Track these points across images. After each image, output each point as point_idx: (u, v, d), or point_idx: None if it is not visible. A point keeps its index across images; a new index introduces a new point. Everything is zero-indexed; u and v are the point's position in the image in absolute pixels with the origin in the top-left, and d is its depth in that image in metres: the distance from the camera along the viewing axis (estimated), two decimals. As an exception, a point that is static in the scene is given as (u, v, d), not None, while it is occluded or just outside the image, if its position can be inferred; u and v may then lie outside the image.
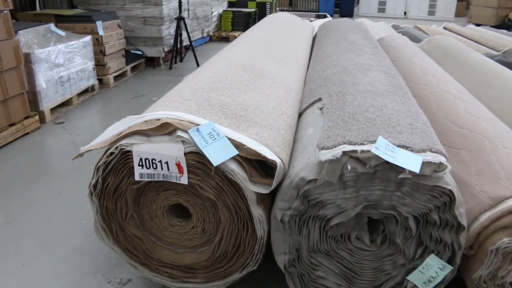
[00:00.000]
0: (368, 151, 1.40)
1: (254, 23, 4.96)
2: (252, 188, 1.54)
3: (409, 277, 1.61)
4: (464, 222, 1.49)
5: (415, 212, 1.50)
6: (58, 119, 4.18)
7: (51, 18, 5.09)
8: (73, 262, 2.14)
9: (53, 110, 4.24)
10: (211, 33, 8.68)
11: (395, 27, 6.05)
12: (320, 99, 2.05)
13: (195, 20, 7.45)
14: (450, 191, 1.43)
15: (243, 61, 2.60)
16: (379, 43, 3.87)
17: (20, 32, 4.00)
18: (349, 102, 1.85)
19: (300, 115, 2.18)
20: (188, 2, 6.85)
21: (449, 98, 2.40)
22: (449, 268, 1.56)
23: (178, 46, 6.25)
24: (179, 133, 1.56)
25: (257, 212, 1.58)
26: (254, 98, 2.03)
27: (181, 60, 6.49)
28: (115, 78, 5.46)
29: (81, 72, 4.71)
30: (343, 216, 1.52)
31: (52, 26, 4.61)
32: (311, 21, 6.16)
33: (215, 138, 1.55)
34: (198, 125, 1.59)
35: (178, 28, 6.07)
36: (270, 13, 9.28)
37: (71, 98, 4.53)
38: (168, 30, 6.16)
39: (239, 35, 6.52)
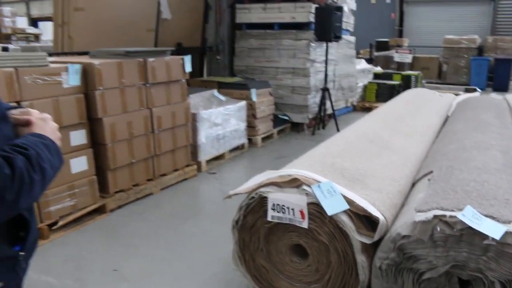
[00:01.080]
0: (455, 216, 1.67)
1: (398, 95, 5.26)
2: (358, 238, 1.90)
3: None
4: (552, 294, 1.63)
5: (501, 278, 1.68)
6: (211, 170, 4.94)
7: (214, 84, 6.03)
8: (211, 286, 2.64)
9: (208, 161, 5.02)
10: (355, 103, 9.09)
11: (553, 103, 5.78)
12: (431, 172, 2.33)
13: (340, 90, 7.98)
14: (534, 261, 1.61)
15: (371, 133, 2.99)
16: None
17: (191, 96, 4.92)
18: (454, 176, 2.11)
19: (414, 184, 2.47)
20: (334, 74, 7.43)
21: None
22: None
23: (322, 114, 6.79)
24: (304, 187, 2.01)
25: (361, 258, 1.91)
26: (373, 166, 2.40)
27: (323, 127, 7.00)
28: (263, 139, 6.18)
29: (234, 132, 5.48)
30: (433, 272, 1.77)
31: (215, 92, 5.54)
32: (457, 95, 6.15)
33: (332, 194, 1.96)
34: (319, 182, 2.01)
35: (323, 97, 6.64)
36: (415, 86, 9.45)
37: (223, 153, 5.30)
38: (313, 99, 6.76)
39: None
